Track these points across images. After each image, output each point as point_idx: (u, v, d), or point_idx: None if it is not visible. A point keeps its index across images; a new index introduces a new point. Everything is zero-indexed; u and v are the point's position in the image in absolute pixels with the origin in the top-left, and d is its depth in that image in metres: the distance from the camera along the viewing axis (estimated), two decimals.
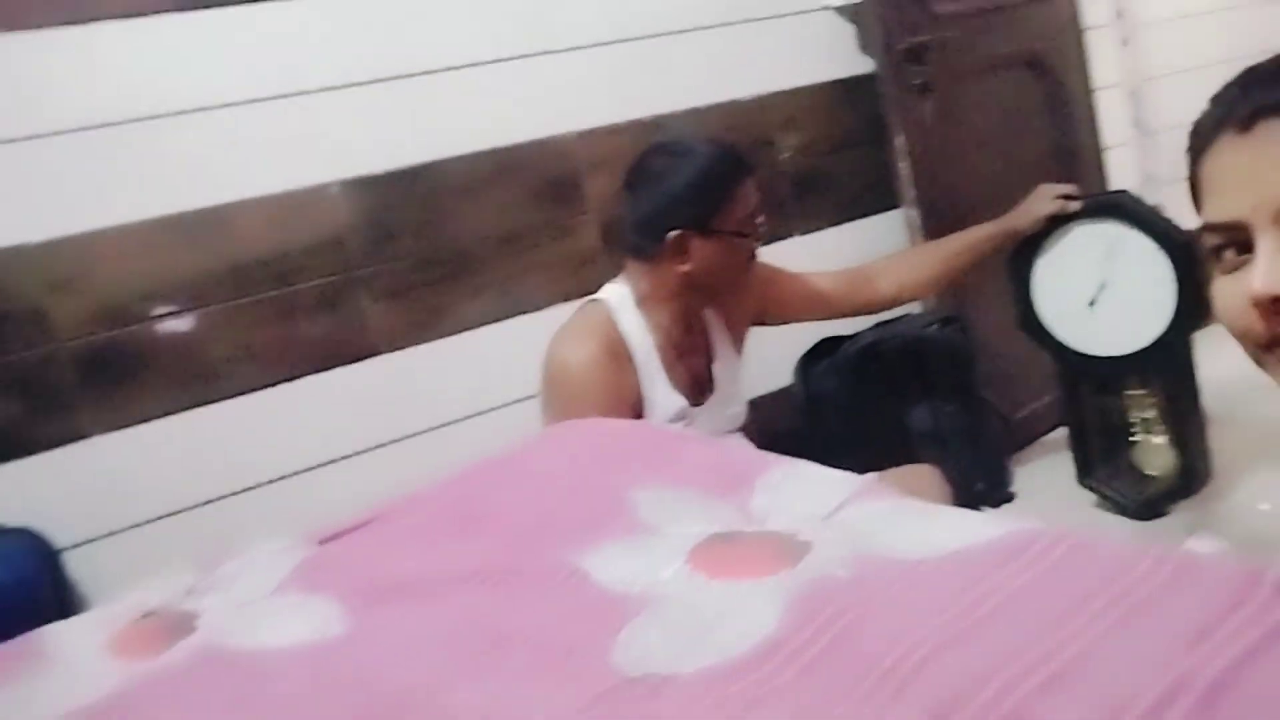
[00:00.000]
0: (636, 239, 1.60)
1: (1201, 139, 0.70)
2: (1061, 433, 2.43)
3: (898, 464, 1.96)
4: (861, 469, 1.89)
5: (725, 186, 1.57)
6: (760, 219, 1.61)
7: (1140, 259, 1.77)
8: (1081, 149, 2.63)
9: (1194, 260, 1.71)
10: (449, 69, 1.92)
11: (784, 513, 0.73)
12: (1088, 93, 2.67)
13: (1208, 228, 0.70)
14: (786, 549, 0.64)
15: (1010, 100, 2.50)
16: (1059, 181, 2.47)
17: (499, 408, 1.95)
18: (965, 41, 2.36)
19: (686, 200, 1.55)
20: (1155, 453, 1.86)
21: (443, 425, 1.90)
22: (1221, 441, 1.87)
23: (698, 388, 1.67)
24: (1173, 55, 3.06)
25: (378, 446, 1.85)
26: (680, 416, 1.61)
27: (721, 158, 1.58)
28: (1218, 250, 0.69)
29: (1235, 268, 0.68)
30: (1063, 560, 0.57)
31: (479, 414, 1.94)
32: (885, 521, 0.66)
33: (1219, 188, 0.68)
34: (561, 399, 1.54)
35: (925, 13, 2.30)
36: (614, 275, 1.68)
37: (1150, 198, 2.84)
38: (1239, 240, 0.67)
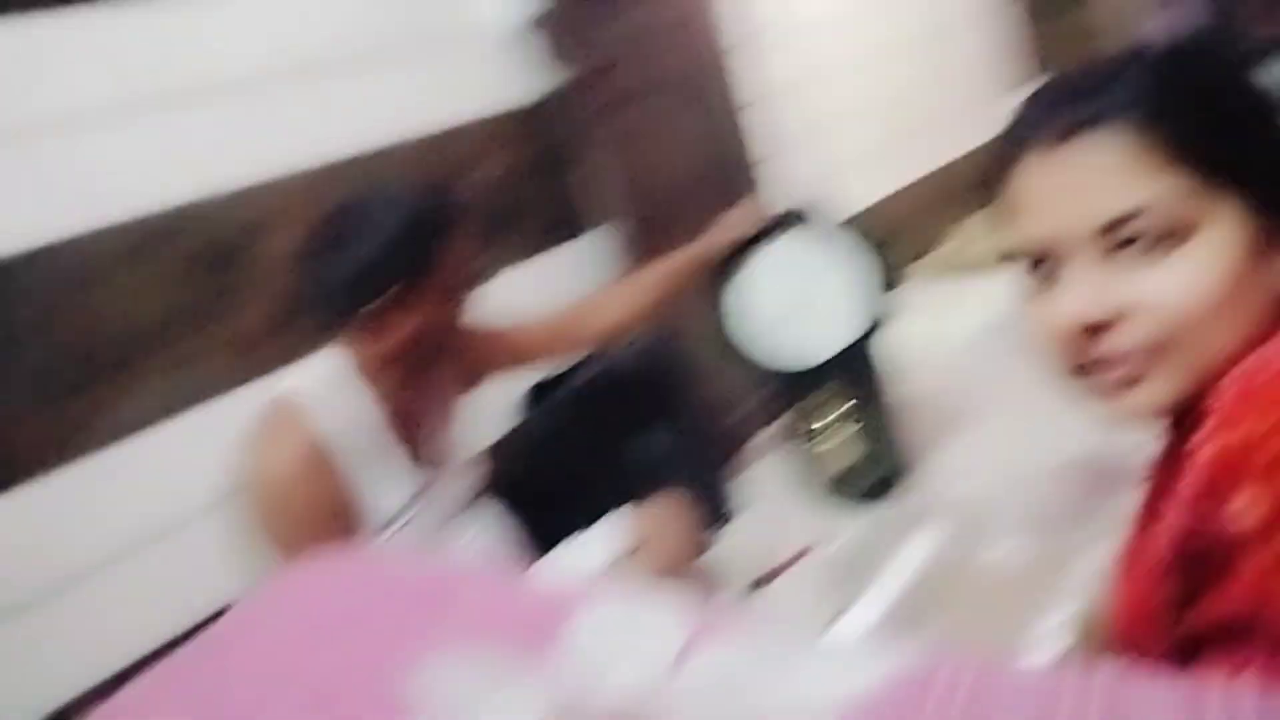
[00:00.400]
0: (346, 302, 1.41)
1: (1007, 155, 0.66)
2: (769, 436, 2.55)
3: (635, 498, 1.93)
4: (598, 510, 1.87)
5: (441, 232, 1.42)
6: (476, 265, 1.49)
7: (828, 267, 1.86)
8: (742, 163, 2.75)
9: (878, 264, 1.83)
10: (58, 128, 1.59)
11: (618, 673, 0.62)
12: (742, 105, 2.80)
13: (1015, 251, 0.67)
14: None
15: (679, 121, 2.56)
16: (731, 196, 2.61)
17: (179, 526, 1.65)
18: (634, 65, 2.37)
19: (396, 251, 1.38)
20: (850, 451, 1.97)
21: (108, 563, 1.58)
22: (915, 428, 2.02)
23: (433, 457, 1.52)
24: (810, 62, 3.31)
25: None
26: (420, 492, 1.45)
27: (432, 201, 1.43)
28: (1026, 273, 0.66)
29: (1045, 289, 0.65)
30: (977, 697, 0.50)
31: (156, 536, 1.63)
32: (748, 673, 0.57)
33: (1028, 207, 0.65)
34: (270, 521, 1.32)
35: (598, 33, 2.28)
36: (301, 349, 1.47)
37: (809, 199, 3.08)
38: (1048, 260, 0.64)
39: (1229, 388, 0.58)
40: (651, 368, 2.16)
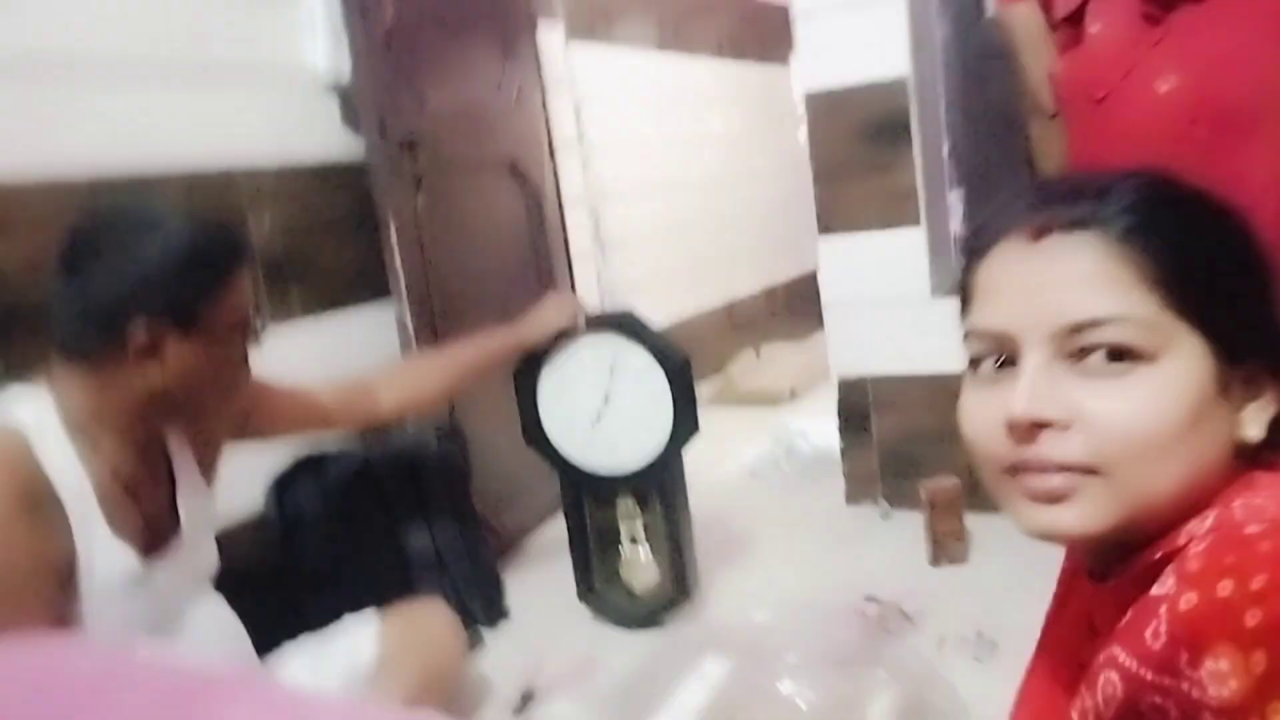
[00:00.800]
0: (80, 332, 1.15)
1: (984, 241, 0.65)
2: (545, 535, 2.42)
3: (395, 595, 1.72)
4: (354, 602, 1.64)
5: (217, 270, 1.20)
6: (256, 315, 1.27)
7: (641, 374, 1.80)
8: (554, 257, 2.70)
9: (689, 379, 1.79)
10: None
11: None
12: (558, 204, 2.76)
13: (973, 333, 0.65)
14: None
15: (494, 203, 2.47)
16: (541, 290, 2.53)
17: None
18: (456, 138, 2.27)
19: (163, 283, 1.14)
20: (642, 569, 1.89)
21: None
22: (704, 549, 1.97)
23: (155, 534, 1.25)
24: (624, 178, 3.37)
25: None
26: (132, 579, 1.17)
27: (210, 235, 1.21)
28: (977, 360, 0.64)
29: (991, 382, 0.63)
30: None
31: None
32: None
33: (995, 295, 0.63)
34: None
35: (417, 101, 2.16)
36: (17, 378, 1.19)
37: (609, 308, 3.07)
38: (1002, 352, 0.62)
39: (1202, 541, 0.55)
40: (437, 455, 1.99)
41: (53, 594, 1.07)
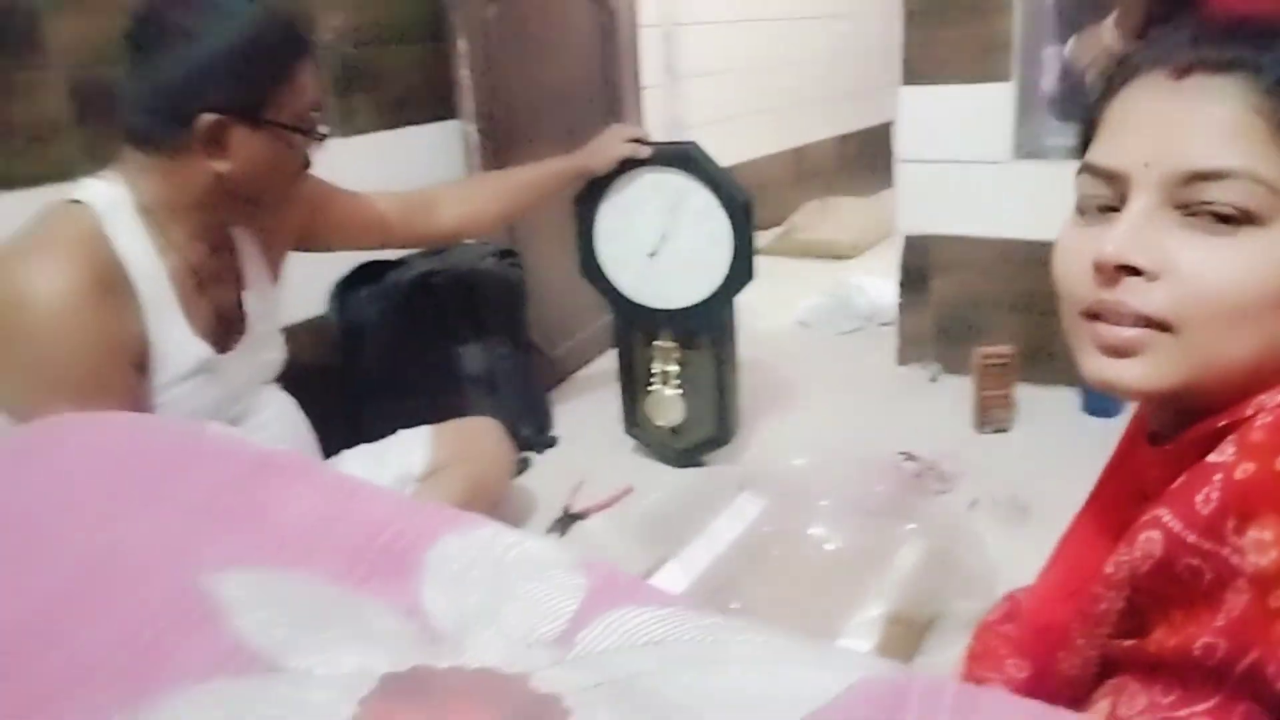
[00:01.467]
0: (148, 119, 1.15)
1: (1124, 73, 0.62)
2: (597, 368, 2.46)
3: (446, 410, 1.78)
4: (408, 415, 1.71)
5: (280, 63, 1.18)
6: (319, 113, 1.26)
7: (702, 214, 1.77)
8: (624, 84, 2.61)
9: (750, 223, 1.76)
10: None
11: (488, 627, 0.49)
12: (633, 30, 2.65)
13: (1087, 168, 0.62)
14: (525, 707, 0.41)
15: (568, 23, 2.38)
16: (608, 117, 2.46)
17: None
18: None
19: (228, 73, 1.13)
20: (668, 404, 1.91)
21: None
22: (750, 394, 1.99)
23: (225, 328, 1.29)
24: (702, 5, 3.20)
25: None
26: (203, 368, 1.22)
27: (274, 24, 1.18)
28: (1085, 199, 0.62)
29: (1093, 222, 0.61)
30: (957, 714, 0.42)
31: None
32: (663, 665, 0.45)
33: (1121, 129, 0.60)
34: (24, 354, 1.06)
35: None
36: (96, 163, 1.20)
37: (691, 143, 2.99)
38: (1113, 194, 0.60)
39: (1270, 414, 0.55)
40: (497, 276, 2.00)
41: (128, 376, 1.12)
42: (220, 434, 0.78)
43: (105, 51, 1.47)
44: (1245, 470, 0.52)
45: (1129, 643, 0.61)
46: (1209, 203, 0.55)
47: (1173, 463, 0.61)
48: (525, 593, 0.51)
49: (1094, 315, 0.59)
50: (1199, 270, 0.56)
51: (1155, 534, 0.57)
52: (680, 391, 1.90)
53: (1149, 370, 0.58)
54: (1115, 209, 0.59)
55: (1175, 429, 0.63)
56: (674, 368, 1.90)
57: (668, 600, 0.55)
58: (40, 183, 1.45)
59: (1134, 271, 0.57)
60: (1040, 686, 0.78)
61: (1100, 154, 0.61)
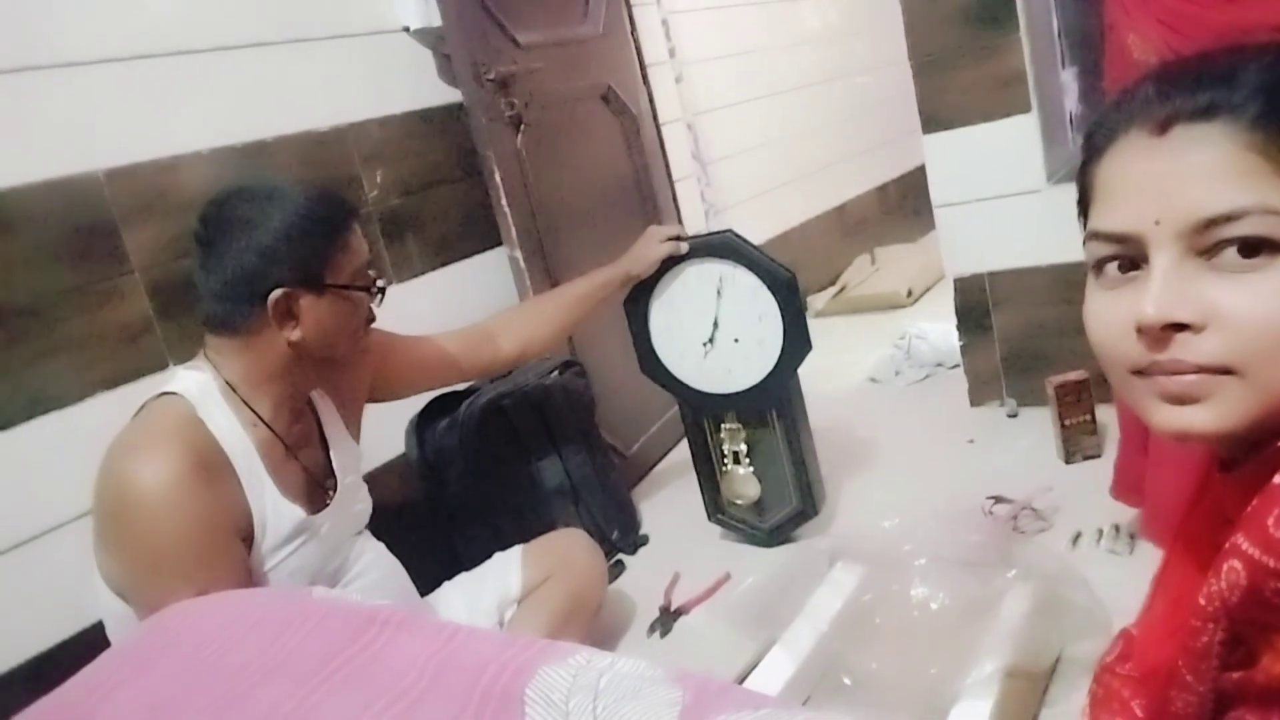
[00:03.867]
0: (226, 307, 1.25)
1: (1103, 137, 0.62)
2: (672, 460, 2.49)
3: (535, 526, 1.83)
4: (498, 537, 1.75)
5: (332, 233, 1.28)
6: (373, 270, 1.36)
7: (748, 296, 1.82)
8: (656, 180, 2.70)
9: (796, 296, 1.80)
10: None
11: None
12: (655, 126, 2.76)
13: (1095, 236, 0.62)
14: None
15: (593, 133, 2.49)
16: (644, 217, 2.55)
17: (27, 541, 1.44)
18: (549, 73, 2.28)
19: (290, 251, 1.24)
20: (741, 482, 1.93)
21: None
22: (828, 460, 1.99)
23: (316, 489, 1.36)
24: (718, 92, 3.31)
25: None
26: (300, 530, 1.29)
27: (320, 199, 1.29)
28: (1101, 263, 0.62)
29: (1117, 284, 0.61)
30: None
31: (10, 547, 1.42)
32: None
33: (1119, 194, 0.61)
34: (138, 541, 1.14)
35: (509, 41, 2.18)
36: (174, 354, 1.30)
37: (714, 226, 3.07)
38: (1128, 255, 0.60)
39: None
40: (563, 387, 2.06)
41: (237, 549, 1.19)
42: (325, 597, 0.83)
43: (176, 250, 1.62)
44: None
45: (1238, 674, 0.60)
46: (1230, 240, 0.56)
47: (1246, 486, 0.61)
48: (624, 714, 0.54)
49: (1149, 372, 0.59)
50: (1244, 312, 0.55)
51: (1237, 563, 0.56)
52: (752, 469, 1.92)
53: (1219, 413, 0.58)
54: (1135, 265, 0.60)
55: (1244, 453, 0.64)
56: (742, 446, 1.92)
57: (762, 702, 0.57)
58: (136, 378, 1.57)
59: (1181, 327, 0.57)
60: None
61: (1106, 220, 0.62)
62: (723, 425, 1.94)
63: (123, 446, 1.19)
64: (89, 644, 1.18)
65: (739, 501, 1.95)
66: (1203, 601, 0.63)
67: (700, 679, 0.59)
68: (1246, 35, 0.62)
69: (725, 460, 1.95)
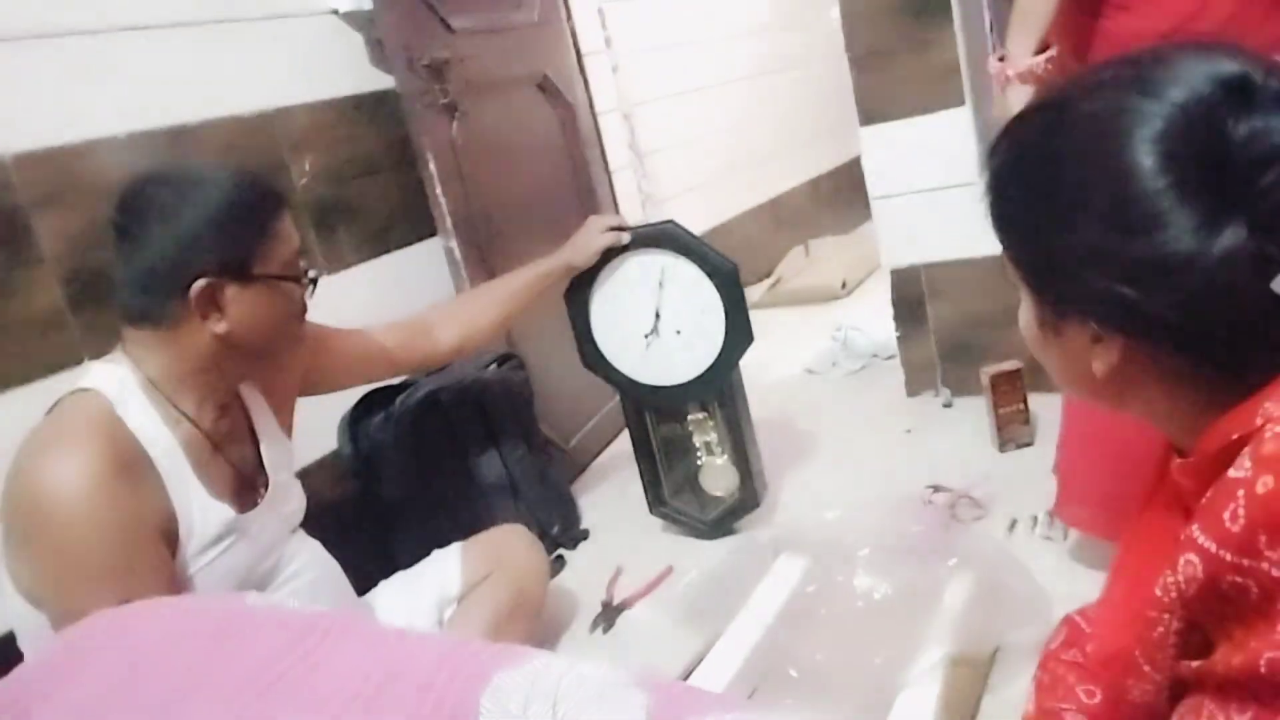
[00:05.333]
0: (145, 299, 1.18)
1: None
2: (612, 453, 2.47)
3: (473, 522, 1.79)
4: (436, 534, 1.71)
5: (260, 220, 1.22)
6: (304, 260, 1.30)
7: (690, 287, 1.80)
8: (593, 171, 2.67)
9: (738, 288, 1.79)
10: None
11: None
12: (592, 116, 2.72)
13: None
14: None
15: (529, 123, 2.45)
16: (582, 207, 2.52)
17: None
18: (484, 60, 2.23)
19: (212, 240, 1.17)
20: (720, 473, 1.92)
21: None
22: (768, 452, 1.99)
23: (245, 487, 1.30)
24: (654, 83, 3.29)
25: None
26: (229, 530, 1.23)
27: (247, 186, 1.23)
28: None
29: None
30: None
31: None
32: None
33: None
34: (53, 546, 1.07)
35: (442, 26, 2.13)
36: (89, 348, 1.23)
37: (652, 218, 3.05)
38: None
39: (1278, 424, 0.55)
40: (502, 381, 2.02)
41: (160, 553, 1.13)
42: (260, 604, 0.79)
43: (90, 239, 1.53)
44: (1265, 485, 0.53)
45: (1197, 664, 0.61)
46: None
47: (1201, 476, 0.62)
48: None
49: None
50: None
51: (1194, 556, 0.57)
52: (727, 459, 1.90)
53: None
54: None
55: (1193, 442, 0.64)
56: (712, 435, 1.91)
57: (730, 704, 0.55)
58: (48, 373, 1.49)
59: None
60: (1115, 713, 0.77)
61: None
62: (689, 416, 1.92)
63: (35, 446, 1.12)
64: None
65: (718, 493, 1.94)
66: (1159, 592, 0.63)
67: (665, 682, 0.57)
68: (1138, 40, 0.73)
69: (697, 452, 1.93)
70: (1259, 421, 0.57)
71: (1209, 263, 0.55)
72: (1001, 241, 0.71)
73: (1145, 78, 0.59)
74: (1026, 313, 0.72)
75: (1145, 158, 0.57)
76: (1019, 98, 1.49)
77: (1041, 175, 0.65)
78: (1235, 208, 0.55)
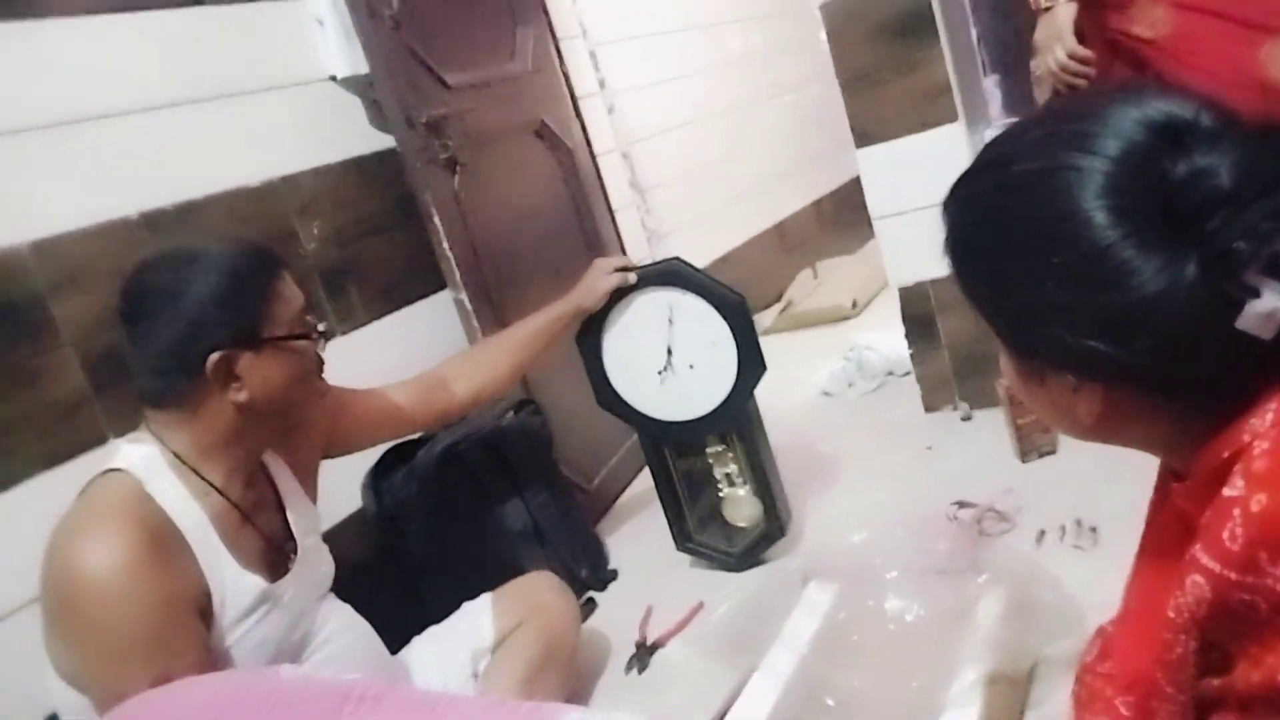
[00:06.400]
0: (163, 381, 1.21)
1: None
2: (635, 491, 2.47)
3: (502, 571, 1.79)
4: (465, 586, 1.71)
5: (261, 285, 1.25)
6: (311, 316, 1.32)
7: (699, 321, 1.81)
8: (596, 211, 2.70)
9: (747, 318, 1.80)
10: None
11: None
12: (591, 158, 2.76)
13: None
14: None
15: (529, 170, 2.48)
16: (587, 248, 2.54)
17: None
18: (481, 113, 2.27)
19: (218, 314, 1.19)
20: (743, 504, 1.92)
21: None
22: (790, 478, 1.99)
23: (275, 555, 1.32)
24: (651, 119, 3.33)
25: None
26: (262, 600, 1.24)
27: (243, 254, 1.25)
28: None
29: None
30: None
31: None
32: None
33: None
34: (91, 629, 1.09)
35: (437, 84, 2.17)
36: (114, 427, 1.25)
37: (657, 253, 3.07)
38: None
39: (1265, 439, 0.56)
40: (520, 428, 2.04)
41: (196, 629, 1.14)
42: (294, 676, 0.80)
43: (109, 321, 1.56)
44: (1259, 502, 0.53)
45: (1219, 681, 0.61)
46: None
47: (1200, 496, 0.62)
48: None
49: None
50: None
51: (1199, 577, 0.58)
52: (750, 487, 1.91)
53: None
54: None
55: (1187, 462, 0.65)
56: (732, 467, 1.91)
57: None
58: (75, 455, 1.51)
59: None
60: None
61: None
62: (707, 447, 1.92)
63: (68, 529, 1.14)
64: None
65: (742, 524, 1.94)
66: (1172, 614, 0.64)
67: None
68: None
69: (719, 485, 1.94)
70: (1247, 438, 0.57)
71: (1175, 307, 0.56)
72: (968, 300, 0.73)
73: (1080, 132, 0.60)
74: (1007, 364, 0.76)
75: (1096, 214, 0.58)
76: (1067, 13, 1.63)
77: (996, 239, 0.66)
78: (1190, 249, 0.56)
